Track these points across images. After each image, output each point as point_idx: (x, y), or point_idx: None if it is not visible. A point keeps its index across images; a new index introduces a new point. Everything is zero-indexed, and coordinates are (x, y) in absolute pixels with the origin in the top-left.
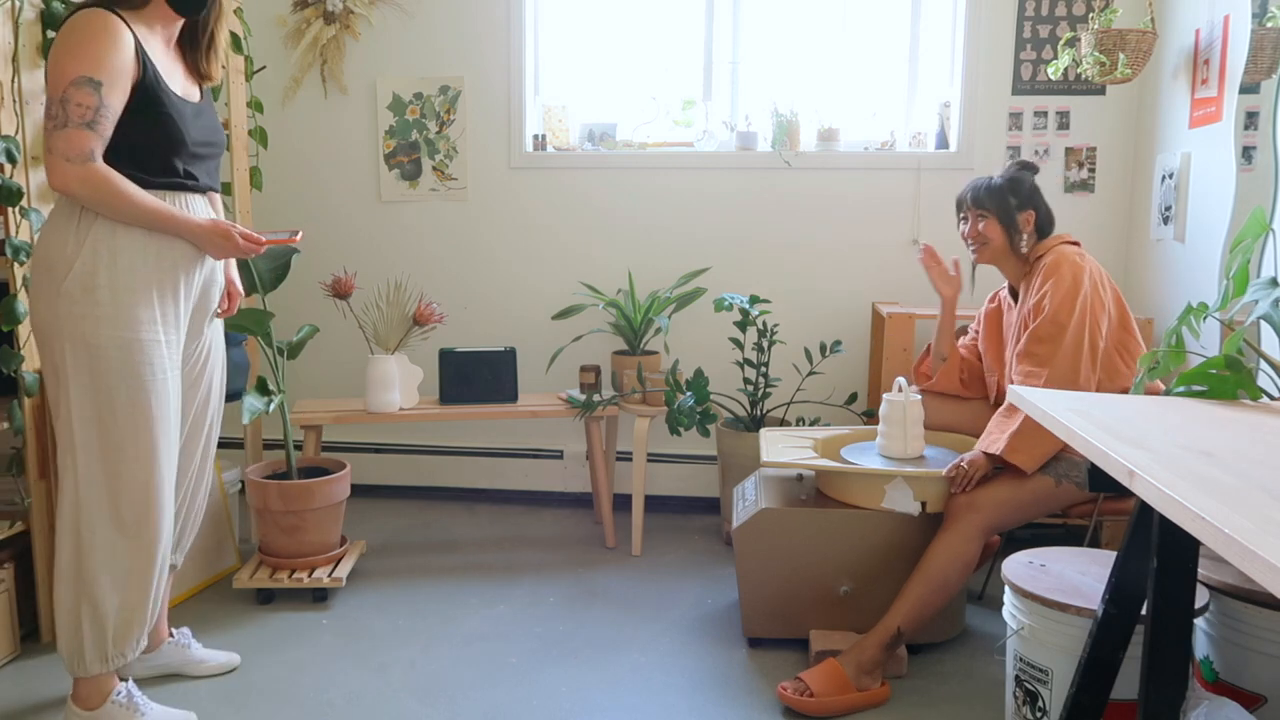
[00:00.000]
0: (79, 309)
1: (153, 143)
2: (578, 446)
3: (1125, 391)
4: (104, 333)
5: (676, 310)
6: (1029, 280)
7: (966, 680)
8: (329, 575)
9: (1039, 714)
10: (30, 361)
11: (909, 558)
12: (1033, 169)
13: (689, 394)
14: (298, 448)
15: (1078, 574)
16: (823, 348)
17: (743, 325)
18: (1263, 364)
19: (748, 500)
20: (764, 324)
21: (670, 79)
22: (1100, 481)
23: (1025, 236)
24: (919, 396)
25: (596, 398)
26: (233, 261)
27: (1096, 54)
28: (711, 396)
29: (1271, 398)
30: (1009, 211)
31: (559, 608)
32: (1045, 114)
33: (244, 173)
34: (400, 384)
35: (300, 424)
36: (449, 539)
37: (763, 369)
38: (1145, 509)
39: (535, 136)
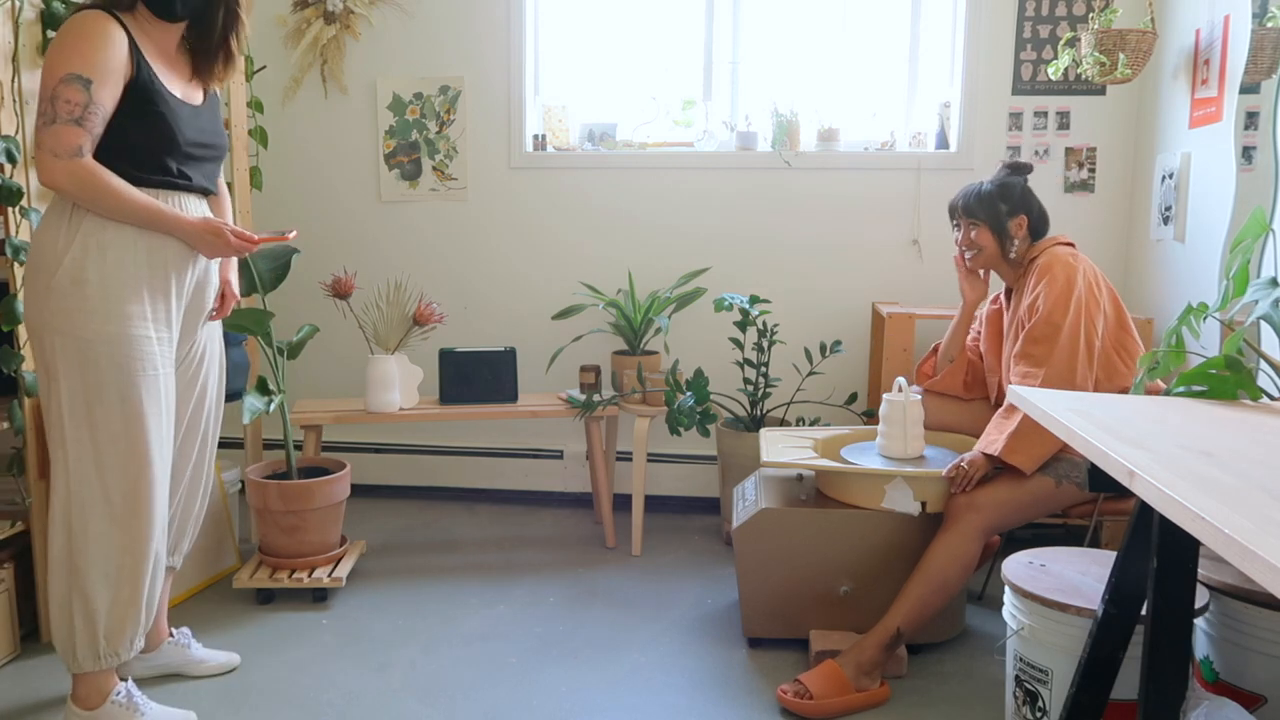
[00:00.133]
0: (68, 303)
1: (145, 141)
2: (578, 446)
3: (1124, 391)
4: (92, 327)
5: (676, 310)
6: (1023, 282)
7: (966, 680)
8: (329, 575)
9: (1039, 714)
10: (30, 361)
11: (909, 558)
12: (1024, 170)
13: (689, 394)
14: (298, 448)
15: (1078, 574)
16: (823, 348)
17: (743, 325)
18: (1263, 364)
19: (748, 500)
20: (764, 324)
21: (670, 79)
22: (1100, 481)
23: (1017, 242)
24: (919, 396)
25: (596, 398)
26: (232, 263)
27: (1096, 54)
28: (711, 396)
29: (1271, 398)
30: (999, 219)
31: (559, 608)
32: (1045, 114)
33: (244, 173)
34: (400, 384)
35: (300, 424)
36: (449, 539)
37: (763, 369)
38: (1145, 509)
39: (535, 136)
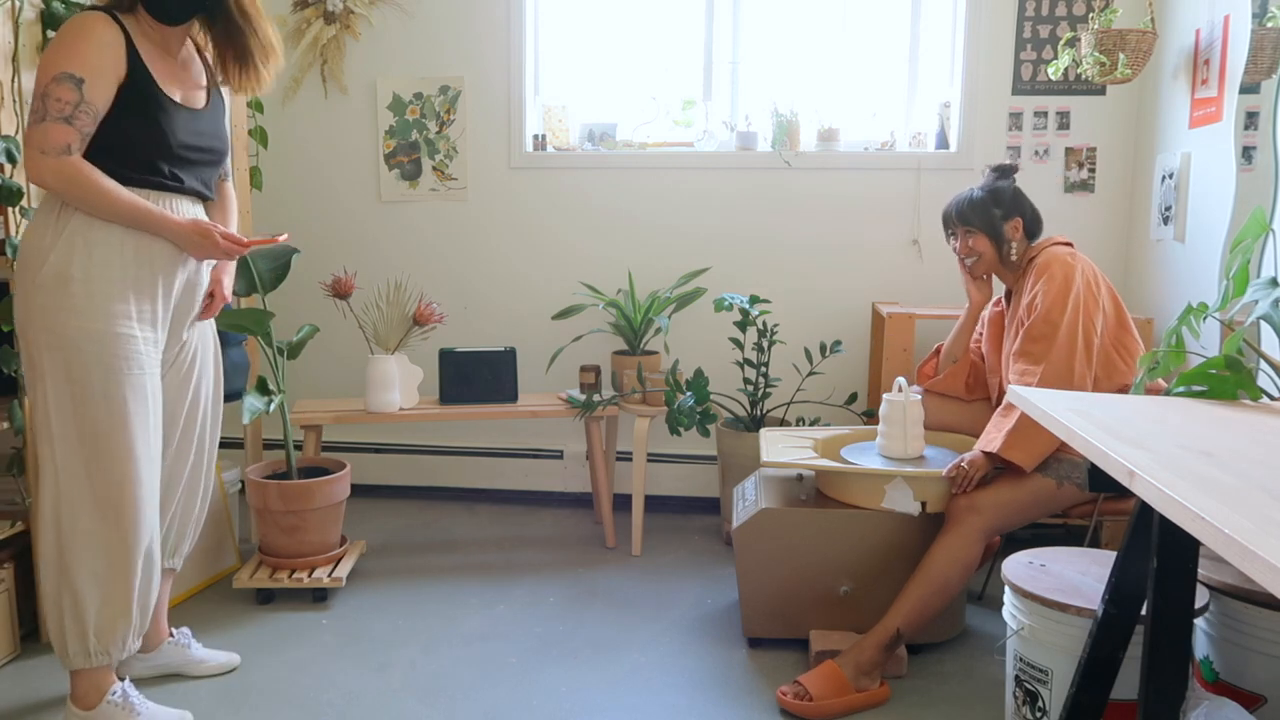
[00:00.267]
0: (53, 300)
1: (136, 142)
2: (578, 446)
3: (1123, 389)
4: (75, 324)
5: (676, 310)
6: (1022, 282)
7: (966, 680)
8: (329, 575)
9: (1039, 714)
10: None
11: (909, 558)
12: (1011, 172)
13: (689, 394)
14: (298, 448)
15: (1078, 574)
16: (823, 348)
17: (743, 325)
18: (1263, 364)
19: (748, 500)
20: (764, 324)
21: (670, 79)
22: (1100, 482)
23: (1014, 244)
24: (919, 396)
25: (596, 398)
26: (229, 266)
27: (1096, 54)
28: (711, 396)
29: (1271, 398)
30: (994, 223)
31: (559, 608)
32: (1045, 114)
33: (244, 173)
34: (400, 384)
35: (300, 424)
36: (449, 539)
37: (763, 369)
38: (1145, 509)
39: (535, 136)
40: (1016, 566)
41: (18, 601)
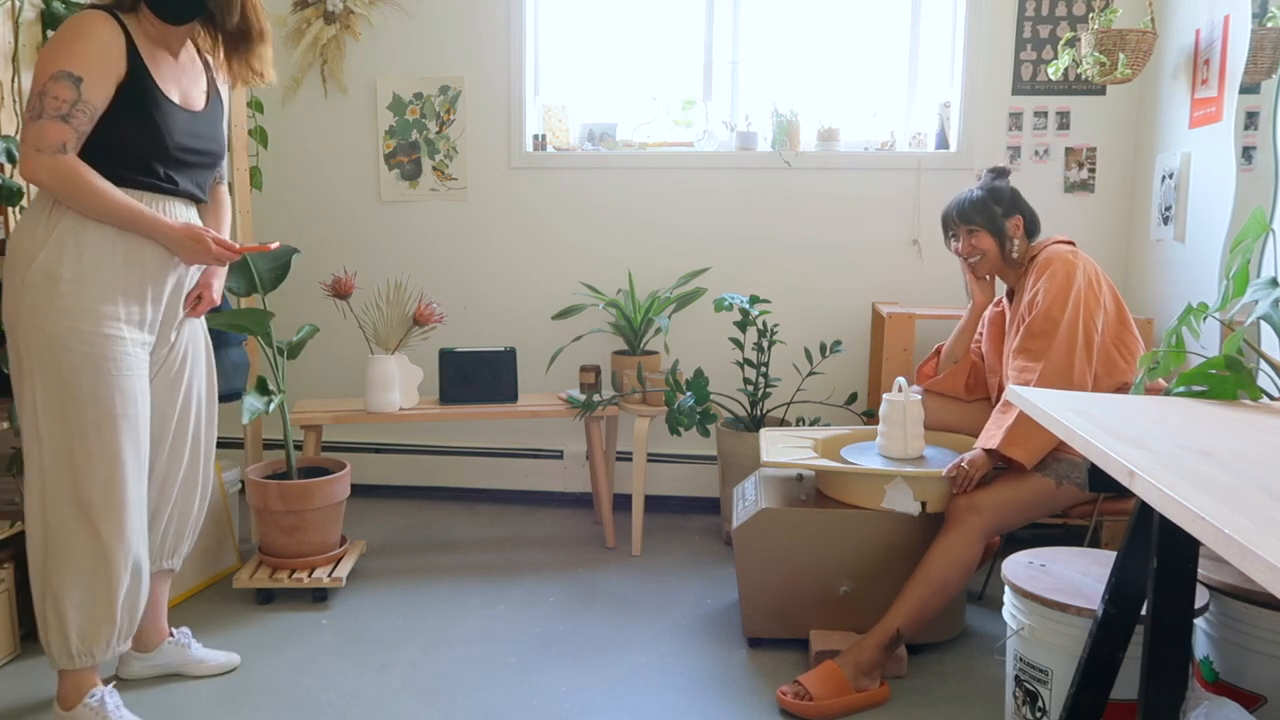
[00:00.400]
0: (42, 299)
1: (132, 142)
2: (578, 446)
3: (1123, 387)
4: (63, 324)
5: (676, 310)
6: (1023, 281)
7: (966, 680)
8: (329, 575)
9: (1039, 714)
10: None
11: (909, 558)
12: (1006, 173)
13: (689, 394)
14: (298, 448)
15: (1078, 574)
16: (823, 348)
17: (743, 325)
18: (1263, 364)
19: (748, 500)
20: (764, 324)
21: (670, 79)
22: (1100, 482)
23: (1016, 242)
24: (919, 396)
25: (596, 398)
26: (220, 270)
27: (1096, 54)
28: (711, 396)
29: (1271, 398)
30: (996, 220)
31: (559, 608)
32: (1045, 114)
33: (244, 173)
34: (400, 384)
35: (300, 424)
36: (449, 539)
37: (763, 369)
38: (1145, 509)
39: (535, 136)
40: (1016, 566)
41: (17, 601)
